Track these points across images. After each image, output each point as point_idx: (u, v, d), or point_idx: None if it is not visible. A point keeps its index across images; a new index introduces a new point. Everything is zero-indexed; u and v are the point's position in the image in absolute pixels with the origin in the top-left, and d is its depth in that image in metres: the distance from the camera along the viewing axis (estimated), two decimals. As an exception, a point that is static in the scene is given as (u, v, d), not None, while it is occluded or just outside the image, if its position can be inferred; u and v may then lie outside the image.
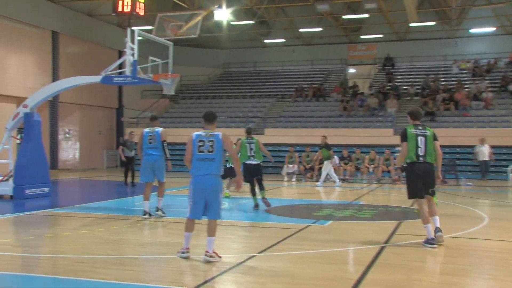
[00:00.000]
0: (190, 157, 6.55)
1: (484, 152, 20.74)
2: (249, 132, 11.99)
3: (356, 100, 27.89)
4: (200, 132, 6.68)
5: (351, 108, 27.41)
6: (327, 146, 18.23)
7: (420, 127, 7.57)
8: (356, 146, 22.42)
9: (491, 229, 9.24)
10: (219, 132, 6.63)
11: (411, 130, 7.57)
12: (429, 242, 7.30)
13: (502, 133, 22.67)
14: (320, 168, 19.39)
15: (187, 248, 6.56)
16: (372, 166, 20.41)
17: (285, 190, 17.21)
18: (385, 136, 23.59)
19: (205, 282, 5.48)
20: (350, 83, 32.65)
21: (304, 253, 6.95)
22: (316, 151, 21.76)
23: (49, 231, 8.86)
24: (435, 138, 7.56)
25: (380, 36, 34.41)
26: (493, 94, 26.36)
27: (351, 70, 36.36)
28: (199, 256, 6.60)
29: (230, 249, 7.27)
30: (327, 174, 18.50)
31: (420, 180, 7.48)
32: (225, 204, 12.38)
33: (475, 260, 6.80)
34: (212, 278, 5.65)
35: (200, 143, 6.55)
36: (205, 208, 6.48)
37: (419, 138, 7.47)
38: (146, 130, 10.18)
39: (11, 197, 12.93)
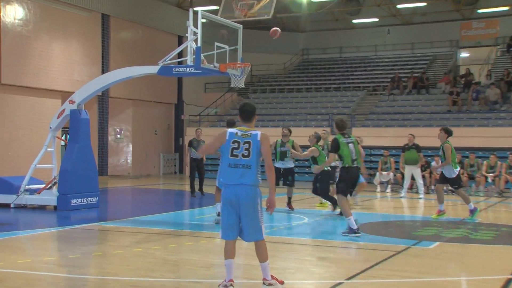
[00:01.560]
0: (208, 151, 6.35)
1: None
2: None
3: (470, 91, 26.99)
4: (236, 130, 6.40)
5: (463, 102, 26.56)
6: (417, 148, 18.11)
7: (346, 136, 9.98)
8: (470, 150, 21.66)
9: None
10: (258, 132, 6.32)
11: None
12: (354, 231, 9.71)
13: None
14: (403, 175, 19.35)
15: (231, 281, 6.19)
16: (491, 174, 19.66)
17: (378, 203, 16.93)
18: (509, 136, 22.60)
19: (280, 314, 5.46)
20: (462, 71, 31.66)
21: (404, 281, 6.81)
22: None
23: (97, 248, 9.19)
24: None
25: (505, 8, 32.92)
26: None
27: (464, 54, 35.32)
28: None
29: (310, 273, 7.22)
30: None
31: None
32: (305, 219, 12.35)
33: None
34: (290, 309, 5.62)
35: (234, 145, 6.28)
36: (240, 226, 6.29)
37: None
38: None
39: (55, 207, 13.55)
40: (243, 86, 13.85)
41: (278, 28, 12.30)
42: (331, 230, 11.63)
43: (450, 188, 19.46)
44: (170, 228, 11.29)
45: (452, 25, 34.19)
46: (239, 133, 6.31)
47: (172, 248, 8.86)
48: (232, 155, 6.24)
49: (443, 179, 12.87)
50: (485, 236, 10.43)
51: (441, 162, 12.88)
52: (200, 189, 17.24)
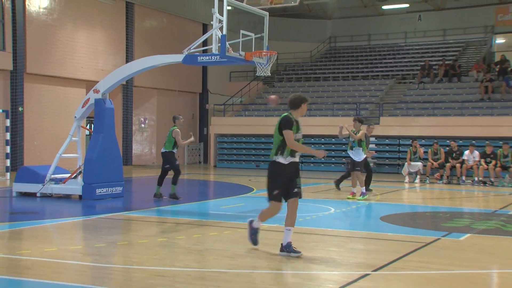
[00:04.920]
0: None
1: None
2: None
3: (505, 79, 26.59)
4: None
5: (497, 90, 26.20)
6: None
7: None
8: (504, 140, 21.40)
9: None
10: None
11: None
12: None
13: None
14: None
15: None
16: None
17: (406, 194, 16.85)
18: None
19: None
20: (497, 57, 31.21)
21: (432, 273, 6.78)
22: (448, 146, 21.11)
23: (122, 237, 9.32)
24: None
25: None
26: None
27: (499, 40, 34.76)
28: (302, 273, 6.64)
29: (337, 264, 7.24)
30: None
31: None
32: (331, 209, 12.37)
33: None
34: (315, 300, 5.65)
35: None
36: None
37: None
38: None
39: (80, 197, 13.76)
40: (269, 74, 13.86)
41: (274, 96, 12.55)
42: (358, 221, 11.63)
43: (481, 179, 19.43)
44: (195, 218, 11.39)
45: (487, 10, 33.70)
46: None
47: (196, 238, 8.95)
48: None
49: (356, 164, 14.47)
50: (518, 228, 10.34)
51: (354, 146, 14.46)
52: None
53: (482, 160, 19.98)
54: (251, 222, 8.00)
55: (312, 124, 25.79)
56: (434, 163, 20.52)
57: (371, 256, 7.78)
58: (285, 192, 7.63)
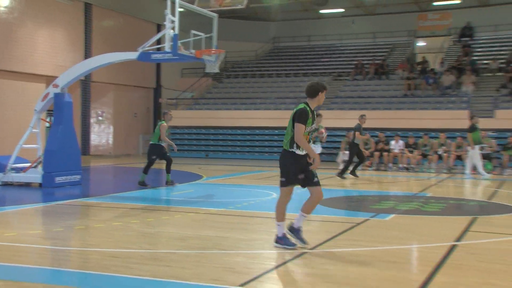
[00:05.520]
0: None
1: None
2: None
3: (425, 77, 27.27)
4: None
5: (419, 88, 26.85)
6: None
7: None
8: (425, 131, 21.99)
9: None
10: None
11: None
12: None
13: None
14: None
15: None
16: (443, 147, 19.97)
17: (340, 180, 17.12)
18: (459, 119, 22.96)
19: (250, 281, 5.53)
20: (419, 58, 31.96)
21: (361, 250, 6.92)
22: (376, 136, 21.53)
23: (80, 222, 9.16)
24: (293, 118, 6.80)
25: (457, 1, 33.23)
26: None
27: (420, 43, 35.60)
28: (246, 252, 6.68)
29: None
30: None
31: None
32: (273, 194, 12.45)
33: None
34: (258, 277, 5.69)
35: None
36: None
37: None
38: None
39: (40, 185, 13.44)
40: (218, 71, 13.90)
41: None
42: (297, 205, 11.71)
43: (404, 165, 19.92)
44: (149, 204, 11.30)
45: (410, 16, 34.48)
46: None
47: (149, 222, 8.87)
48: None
49: None
50: (435, 208, 10.65)
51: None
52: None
53: (406, 149, 20.50)
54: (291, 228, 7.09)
55: (256, 117, 25.92)
56: (366, 152, 20.90)
57: (307, 236, 7.84)
58: (304, 181, 6.84)
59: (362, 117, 17.23)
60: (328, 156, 25.04)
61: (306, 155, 6.76)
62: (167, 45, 12.52)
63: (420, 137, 20.98)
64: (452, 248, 7.04)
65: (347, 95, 28.20)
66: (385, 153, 20.55)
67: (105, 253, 6.62)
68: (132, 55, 13.26)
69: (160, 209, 10.54)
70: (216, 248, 6.94)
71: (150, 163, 13.90)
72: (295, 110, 6.75)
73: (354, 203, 11.98)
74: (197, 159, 26.33)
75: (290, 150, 6.73)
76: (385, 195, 13.16)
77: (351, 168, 16.84)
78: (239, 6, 14.91)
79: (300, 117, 6.61)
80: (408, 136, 21.04)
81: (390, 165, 20.46)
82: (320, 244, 7.24)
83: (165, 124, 13.86)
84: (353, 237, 7.79)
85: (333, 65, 32.76)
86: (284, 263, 6.28)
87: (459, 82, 26.42)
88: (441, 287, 5.43)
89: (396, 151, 20.57)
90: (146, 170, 13.78)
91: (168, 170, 13.92)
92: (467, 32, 32.51)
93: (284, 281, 5.67)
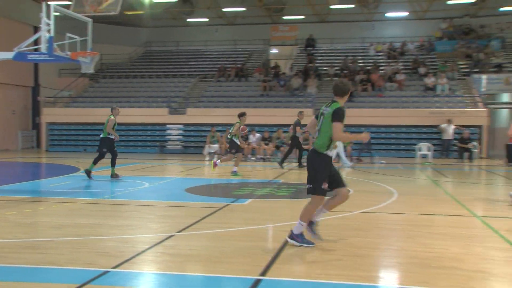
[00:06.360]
0: None
1: (449, 132, 21.80)
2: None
3: (277, 80, 28.20)
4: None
5: (273, 89, 27.70)
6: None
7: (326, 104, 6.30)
8: (277, 126, 22.76)
9: (399, 203, 9.74)
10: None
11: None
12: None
13: (412, 113, 23.85)
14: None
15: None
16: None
17: (206, 170, 17.21)
18: (306, 116, 23.94)
19: (122, 263, 5.39)
20: (272, 64, 32.95)
21: (222, 231, 7.01)
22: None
23: (-45, 216, 8.33)
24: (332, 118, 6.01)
25: (302, 17, 34.88)
26: (405, 76, 27.61)
27: (273, 51, 36.63)
28: (119, 237, 6.49)
29: (148, 229, 7.19)
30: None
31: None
32: (145, 184, 12.22)
33: (383, 233, 7.16)
34: (130, 259, 5.56)
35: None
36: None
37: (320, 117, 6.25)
38: None
39: None
40: (93, 72, 13.42)
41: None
42: (167, 193, 11.60)
43: (261, 156, 20.48)
44: (26, 196, 10.56)
45: (265, 28, 35.47)
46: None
47: (26, 213, 8.29)
48: None
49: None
50: (286, 193, 11.07)
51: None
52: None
53: (262, 142, 21.09)
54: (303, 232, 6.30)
55: (131, 114, 25.21)
56: (227, 145, 21.19)
57: (176, 221, 7.84)
58: (334, 182, 6.14)
59: (300, 113, 17.12)
60: (196, 149, 25.09)
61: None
62: (43, 47, 11.79)
63: (275, 131, 21.67)
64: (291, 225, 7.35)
65: (212, 94, 28.35)
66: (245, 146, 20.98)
67: (-19, 245, 6.08)
68: (8, 55, 12.29)
69: (38, 200, 9.90)
70: (91, 234, 6.67)
71: (101, 155, 13.31)
72: (332, 110, 5.93)
73: (218, 190, 12.09)
74: (76, 153, 25.07)
75: (325, 152, 6.03)
76: (245, 182, 13.44)
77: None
78: (113, 13, 14.38)
79: (339, 116, 5.86)
80: (264, 131, 21.66)
81: (250, 156, 20.93)
82: (187, 227, 7.23)
83: (113, 118, 13.33)
84: (216, 220, 7.86)
85: (199, 68, 32.75)
86: (154, 245, 6.19)
87: (305, 85, 27.64)
88: (288, 258, 5.68)
89: (254, 144, 21.09)
90: (96, 161, 13.25)
91: (113, 163, 13.20)
92: (310, 42, 34.20)
93: (154, 262, 5.59)
